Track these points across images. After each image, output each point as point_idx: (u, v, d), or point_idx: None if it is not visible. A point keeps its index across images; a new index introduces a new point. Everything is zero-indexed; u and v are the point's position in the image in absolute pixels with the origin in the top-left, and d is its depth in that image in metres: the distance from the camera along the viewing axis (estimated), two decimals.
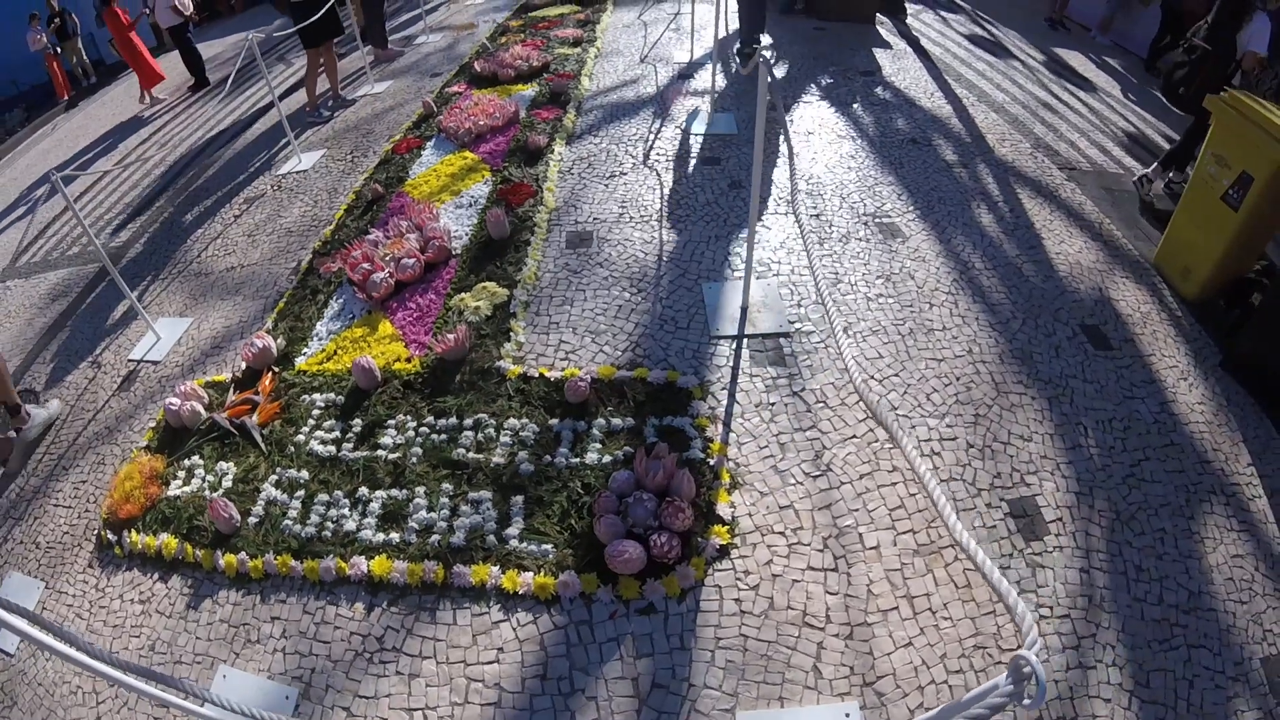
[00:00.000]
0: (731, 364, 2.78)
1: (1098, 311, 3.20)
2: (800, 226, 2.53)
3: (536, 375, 2.76)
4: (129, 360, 3.75)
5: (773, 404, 2.61)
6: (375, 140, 5.40)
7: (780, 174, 4.17)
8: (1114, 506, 2.37)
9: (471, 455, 2.52)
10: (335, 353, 3.20)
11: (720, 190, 3.98)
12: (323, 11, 5.54)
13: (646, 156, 4.40)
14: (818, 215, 3.76)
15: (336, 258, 3.68)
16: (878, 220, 3.73)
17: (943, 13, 8.48)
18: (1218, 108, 3.15)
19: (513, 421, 2.60)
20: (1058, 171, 4.46)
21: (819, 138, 4.66)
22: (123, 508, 2.70)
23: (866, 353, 2.84)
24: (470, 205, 3.97)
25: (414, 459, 2.57)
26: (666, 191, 4.00)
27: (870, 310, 3.08)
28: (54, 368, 3.98)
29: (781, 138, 4.60)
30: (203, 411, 3.05)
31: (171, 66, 9.36)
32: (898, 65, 6.18)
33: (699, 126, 4.70)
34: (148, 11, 8.50)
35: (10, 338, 4.44)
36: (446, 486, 2.45)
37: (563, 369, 2.81)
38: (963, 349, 2.91)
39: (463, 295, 3.22)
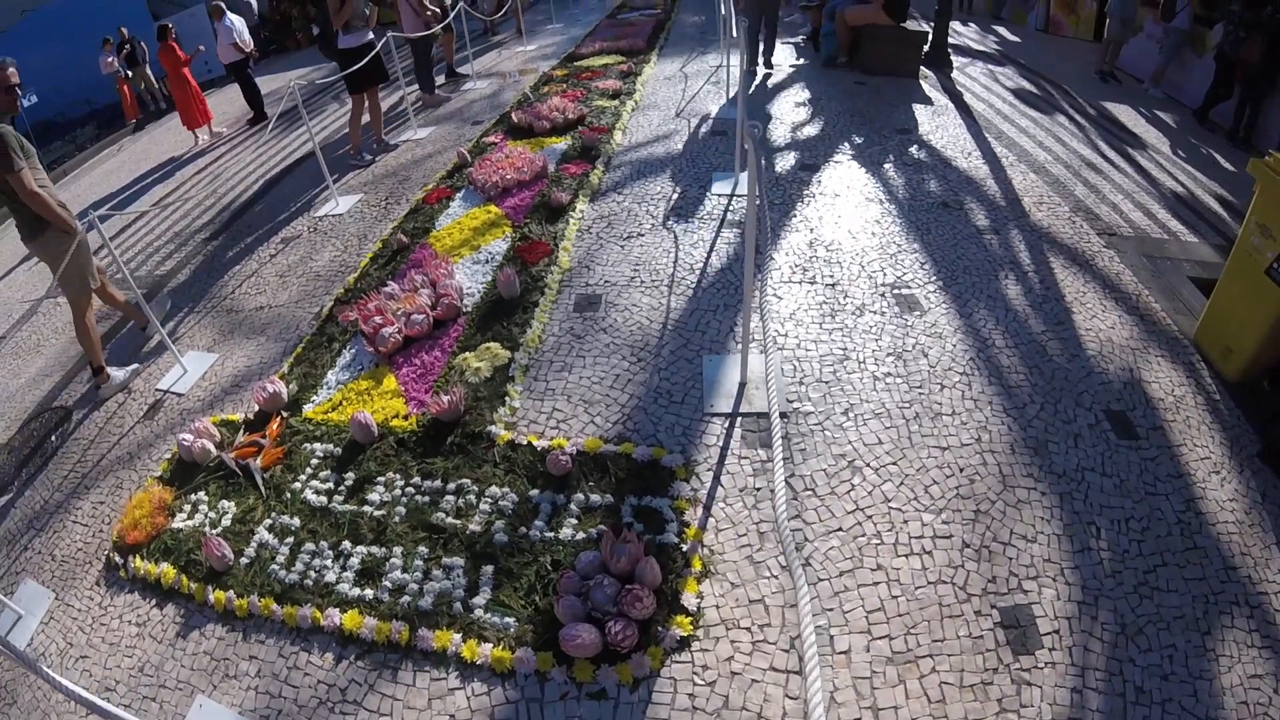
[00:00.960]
0: (721, 443, 2.81)
1: (1126, 395, 3.10)
2: (762, 312, 2.55)
3: (525, 443, 2.84)
4: (156, 389, 4.01)
5: (758, 489, 2.61)
6: (410, 187, 5.69)
7: (800, 239, 4.21)
8: (1120, 619, 2.27)
9: (450, 520, 2.61)
10: (341, 403, 3.36)
11: (736, 255, 4.03)
12: (368, 59, 5.92)
13: (666, 217, 4.52)
14: (833, 285, 3.77)
15: (354, 308, 3.88)
16: (896, 291, 3.72)
17: (991, 66, 8.48)
18: (1261, 172, 3.00)
19: (494, 489, 2.68)
20: (1096, 238, 4.37)
21: (845, 200, 4.70)
22: (131, 533, 2.92)
23: (865, 438, 2.82)
24: (487, 261, 4.14)
25: (397, 518, 2.68)
26: (681, 255, 4.09)
27: (875, 391, 3.06)
28: (88, 390, 4.28)
29: (799, 198, 4.67)
30: (212, 449, 3.24)
31: (232, 100, 10.07)
32: (936, 122, 6.21)
33: (724, 186, 4.80)
34: (202, 48, 9.21)
35: (55, 353, 4.82)
36: (422, 549, 2.54)
37: (551, 438, 2.89)
38: (970, 436, 2.86)
39: (466, 355, 3.35)
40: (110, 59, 11.43)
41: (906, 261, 3.99)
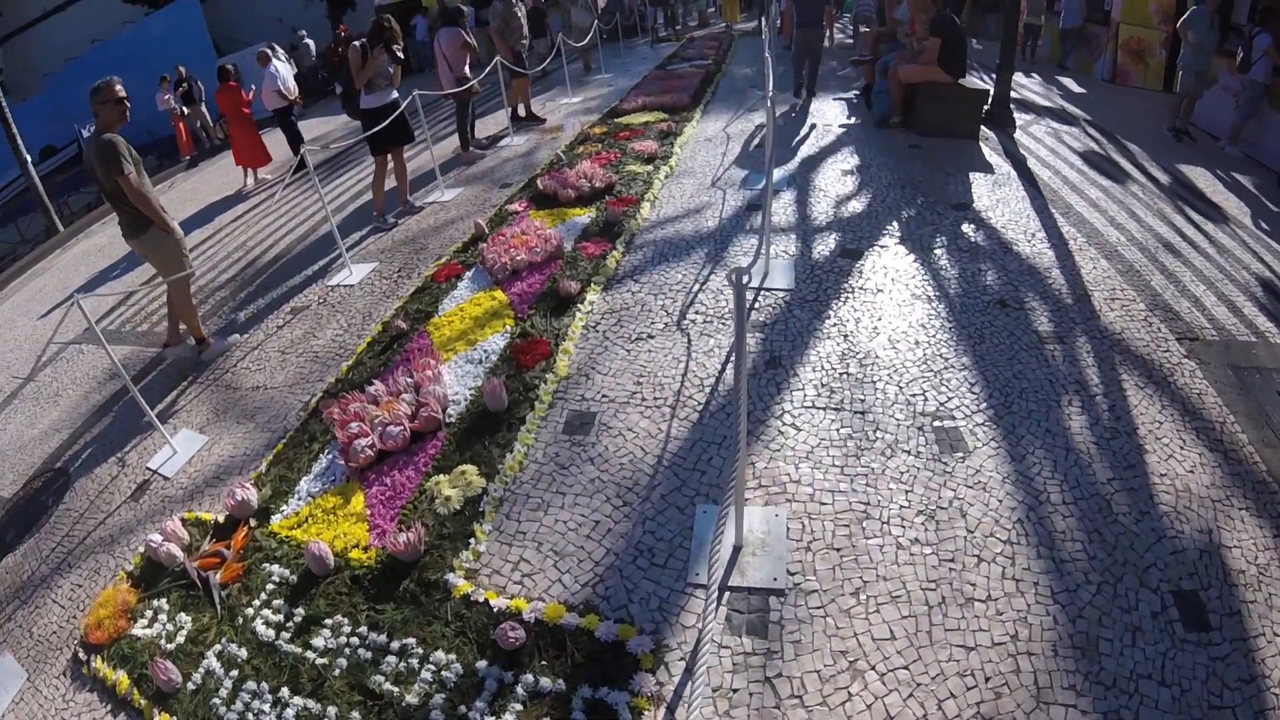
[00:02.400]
0: (701, 624, 2.51)
1: (1200, 568, 2.63)
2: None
3: (481, 600, 2.63)
4: (147, 468, 4.02)
5: (735, 691, 2.30)
6: (425, 259, 5.65)
7: (830, 350, 3.90)
8: None
9: (387, 686, 2.44)
10: (307, 519, 3.24)
11: (754, 369, 3.73)
12: (390, 120, 5.95)
13: (683, 315, 4.28)
14: (863, 413, 3.43)
15: (337, 406, 3.78)
16: (937, 423, 3.34)
17: (1056, 124, 8.06)
18: None
19: (439, 655, 2.47)
20: (1175, 345, 3.91)
21: (888, 298, 4.37)
22: (94, 633, 2.96)
23: (875, 631, 2.45)
24: (481, 361, 3.98)
25: (337, 670, 2.54)
26: (692, 365, 3.82)
27: (897, 564, 2.67)
28: (88, 454, 4.33)
29: (835, 295, 4.37)
30: (179, 554, 3.21)
31: (279, 143, 10.39)
32: (997, 195, 5.85)
33: (750, 278, 4.54)
34: (254, 88, 9.51)
35: (69, 406, 4.93)
36: (355, 715, 2.38)
37: (512, 596, 2.66)
38: (1005, 632, 2.46)
39: (439, 478, 3.18)
40: (167, 96, 12.09)
41: (953, 382, 3.62)
